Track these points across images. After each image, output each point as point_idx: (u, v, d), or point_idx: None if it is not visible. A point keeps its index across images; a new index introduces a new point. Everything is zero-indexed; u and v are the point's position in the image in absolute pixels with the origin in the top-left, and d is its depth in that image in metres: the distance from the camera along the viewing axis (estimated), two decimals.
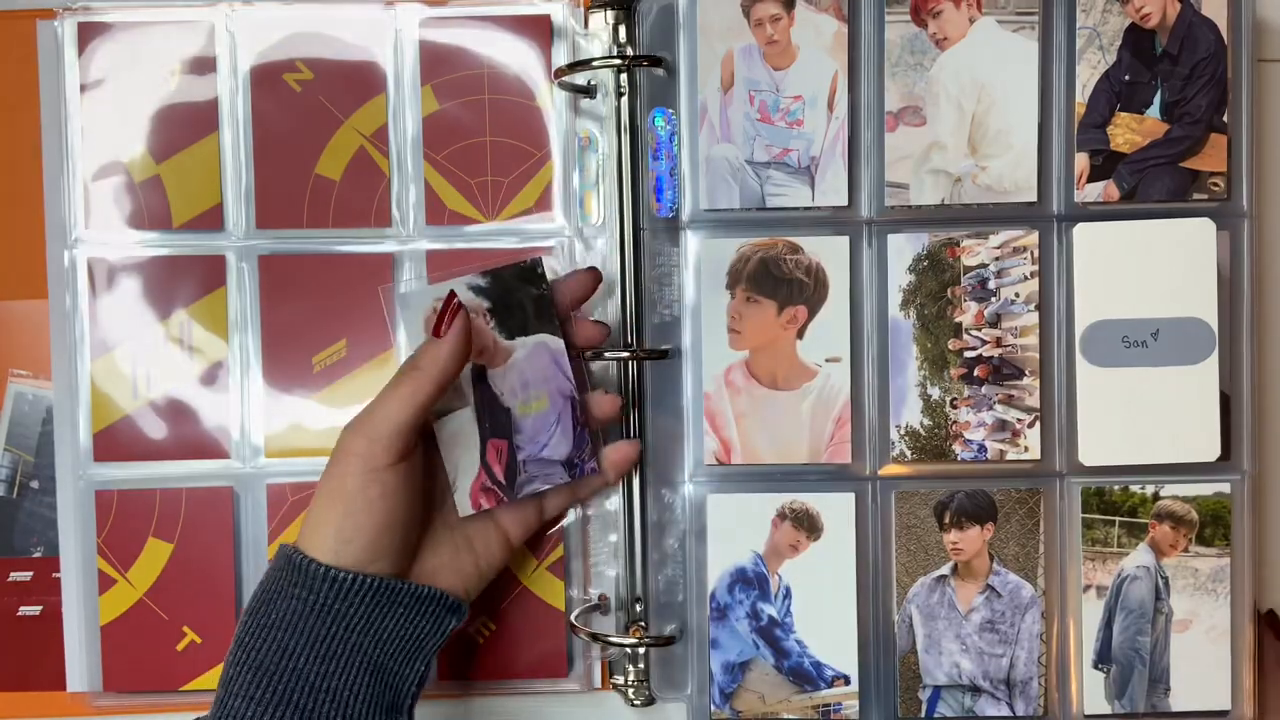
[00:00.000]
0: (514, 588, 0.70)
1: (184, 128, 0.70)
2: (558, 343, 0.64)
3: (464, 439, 0.64)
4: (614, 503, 0.71)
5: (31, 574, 0.71)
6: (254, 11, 0.70)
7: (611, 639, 0.69)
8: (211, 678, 0.70)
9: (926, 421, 0.66)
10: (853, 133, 0.66)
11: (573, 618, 0.70)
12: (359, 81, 0.70)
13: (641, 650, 0.70)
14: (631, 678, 0.70)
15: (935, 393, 0.66)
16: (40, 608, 0.71)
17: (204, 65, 0.70)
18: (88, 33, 0.70)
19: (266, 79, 0.70)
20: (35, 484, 0.71)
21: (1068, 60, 0.66)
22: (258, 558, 0.71)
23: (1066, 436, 0.66)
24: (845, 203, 0.66)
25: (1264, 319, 0.69)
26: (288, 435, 0.71)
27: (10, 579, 0.71)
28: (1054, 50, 0.66)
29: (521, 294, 0.64)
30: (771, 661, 0.67)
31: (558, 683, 0.71)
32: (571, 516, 0.71)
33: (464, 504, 0.64)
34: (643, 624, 0.69)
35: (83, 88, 0.70)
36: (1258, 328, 0.67)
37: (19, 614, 0.71)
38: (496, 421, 0.64)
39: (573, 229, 0.71)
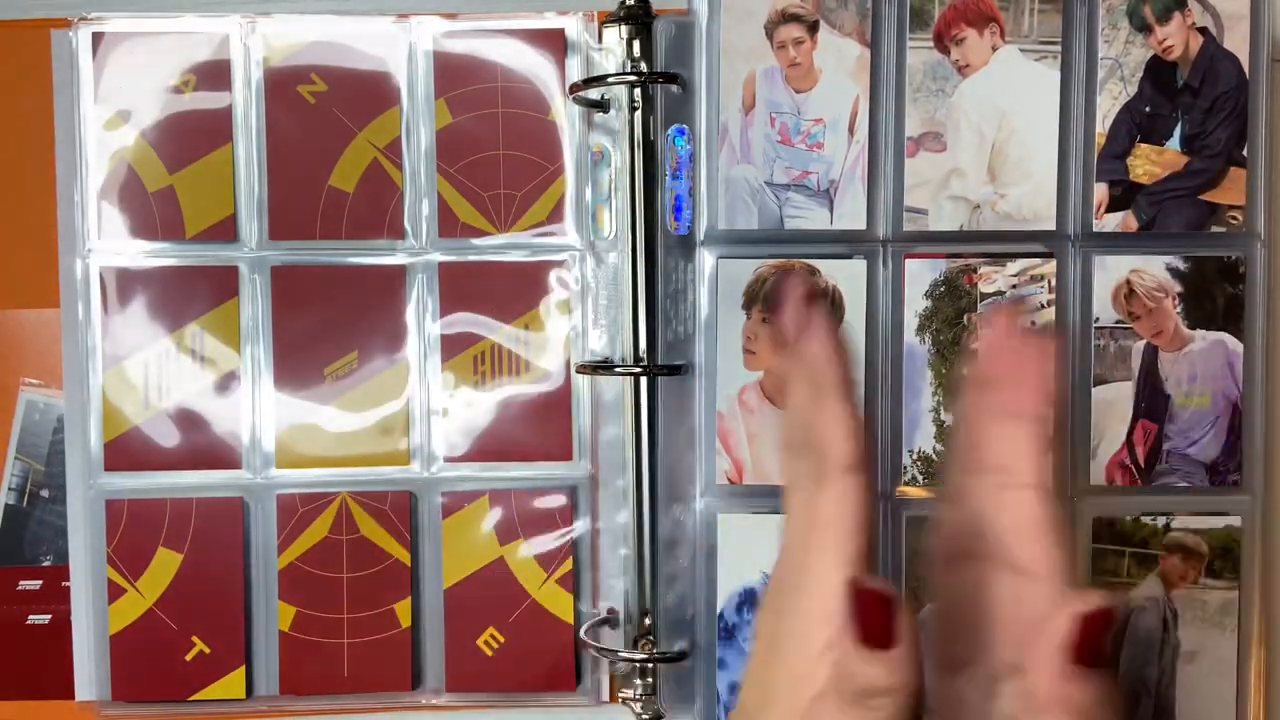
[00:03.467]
0: (523, 600, 0.70)
1: (198, 138, 0.70)
2: (1237, 345, 0.65)
3: (1116, 410, 0.66)
4: (624, 516, 0.71)
5: (41, 582, 0.71)
6: (269, 23, 0.70)
7: (621, 654, 0.69)
8: (220, 688, 0.70)
9: (939, 447, 0.66)
10: (873, 157, 0.66)
11: (582, 632, 0.71)
12: (373, 94, 0.70)
13: (650, 665, 0.70)
14: (640, 692, 0.70)
15: (948, 419, 0.66)
16: (49, 616, 0.71)
17: (218, 76, 0.70)
18: (102, 42, 0.69)
19: (280, 90, 0.70)
20: (45, 493, 0.71)
21: (1089, 90, 0.65)
22: (267, 568, 0.70)
23: (1077, 465, 0.66)
24: (864, 226, 0.66)
25: (1275, 344, 0.68)
26: (299, 446, 0.70)
27: (19, 587, 0.71)
28: (1075, 80, 0.65)
29: (1217, 288, 0.65)
30: None
31: (566, 696, 0.71)
32: (581, 529, 0.71)
33: (1098, 474, 0.66)
34: (652, 639, 0.69)
35: (96, 97, 0.69)
36: (1270, 353, 0.67)
37: (28, 622, 0.71)
38: (1153, 404, 0.66)
39: (585, 243, 0.70)
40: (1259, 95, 0.65)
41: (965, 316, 0.65)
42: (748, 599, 0.67)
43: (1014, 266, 0.65)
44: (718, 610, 0.67)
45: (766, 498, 0.67)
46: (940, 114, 0.65)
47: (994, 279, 0.65)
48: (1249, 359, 0.65)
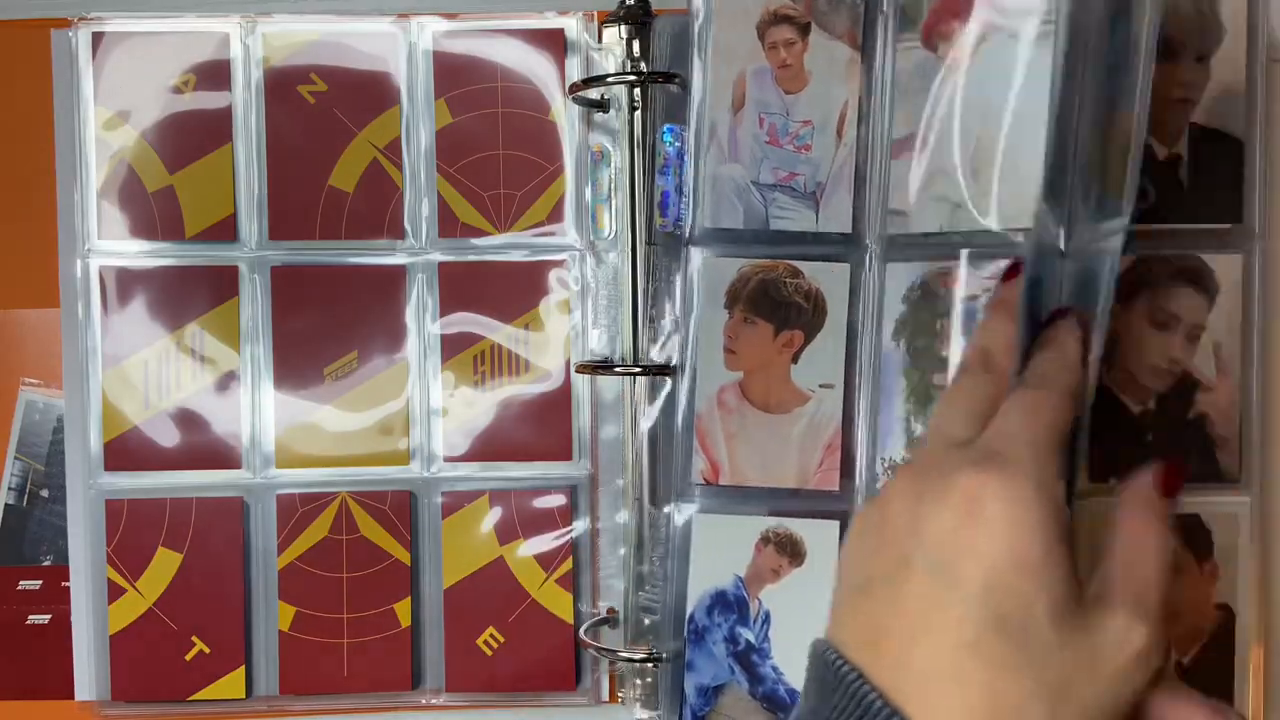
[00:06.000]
0: (522, 600, 0.72)
1: (198, 138, 0.71)
2: None
3: None
4: (623, 516, 0.72)
5: (41, 582, 0.73)
6: (269, 23, 0.71)
7: (621, 654, 0.70)
8: (219, 688, 0.72)
9: (908, 456, 0.65)
10: (859, 160, 0.66)
11: (581, 631, 0.72)
12: (373, 94, 0.72)
13: (650, 665, 0.70)
14: (639, 692, 0.71)
15: (919, 428, 0.65)
16: (49, 616, 0.73)
17: (218, 76, 0.71)
18: (102, 42, 0.71)
19: (280, 90, 0.71)
20: (45, 493, 0.73)
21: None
22: (267, 568, 0.72)
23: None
24: (849, 229, 0.66)
25: (1271, 340, 0.69)
26: (298, 446, 0.72)
27: (19, 587, 0.73)
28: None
29: None
30: (746, 687, 0.67)
31: (565, 696, 0.73)
32: (581, 529, 0.72)
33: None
34: (651, 638, 0.71)
35: (96, 97, 0.71)
36: (1268, 350, 0.68)
37: (28, 622, 0.73)
38: None
39: (584, 242, 0.72)
40: (1256, 95, 0.66)
41: (939, 323, 0.65)
42: (718, 600, 0.67)
43: (988, 268, 0.64)
44: (688, 612, 0.68)
45: (741, 500, 0.67)
46: (925, 112, 0.65)
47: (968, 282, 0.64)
48: (1246, 359, 0.66)
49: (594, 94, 0.71)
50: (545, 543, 0.72)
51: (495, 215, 0.72)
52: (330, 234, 0.71)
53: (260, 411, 0.72)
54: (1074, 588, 0.43)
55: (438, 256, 0.72)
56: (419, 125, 0.72)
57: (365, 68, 0.72)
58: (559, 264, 0.72)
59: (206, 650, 0.71)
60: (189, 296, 0.71)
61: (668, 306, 0.69)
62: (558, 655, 0.72)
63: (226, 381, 0.72)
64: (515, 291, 0.72)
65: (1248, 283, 0.66)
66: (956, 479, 0.44)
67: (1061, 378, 0.49)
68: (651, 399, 0.70)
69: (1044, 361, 0.50)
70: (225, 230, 0.72)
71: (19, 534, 0.73)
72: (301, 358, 0.72)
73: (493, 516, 0.72)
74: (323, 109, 0.71)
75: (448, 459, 0.72)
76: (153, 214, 0.71)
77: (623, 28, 0.70)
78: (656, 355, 0.70)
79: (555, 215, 0.72)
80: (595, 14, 0.72)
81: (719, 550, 0.67)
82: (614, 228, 0.71)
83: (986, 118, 0.62)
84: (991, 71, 0.62)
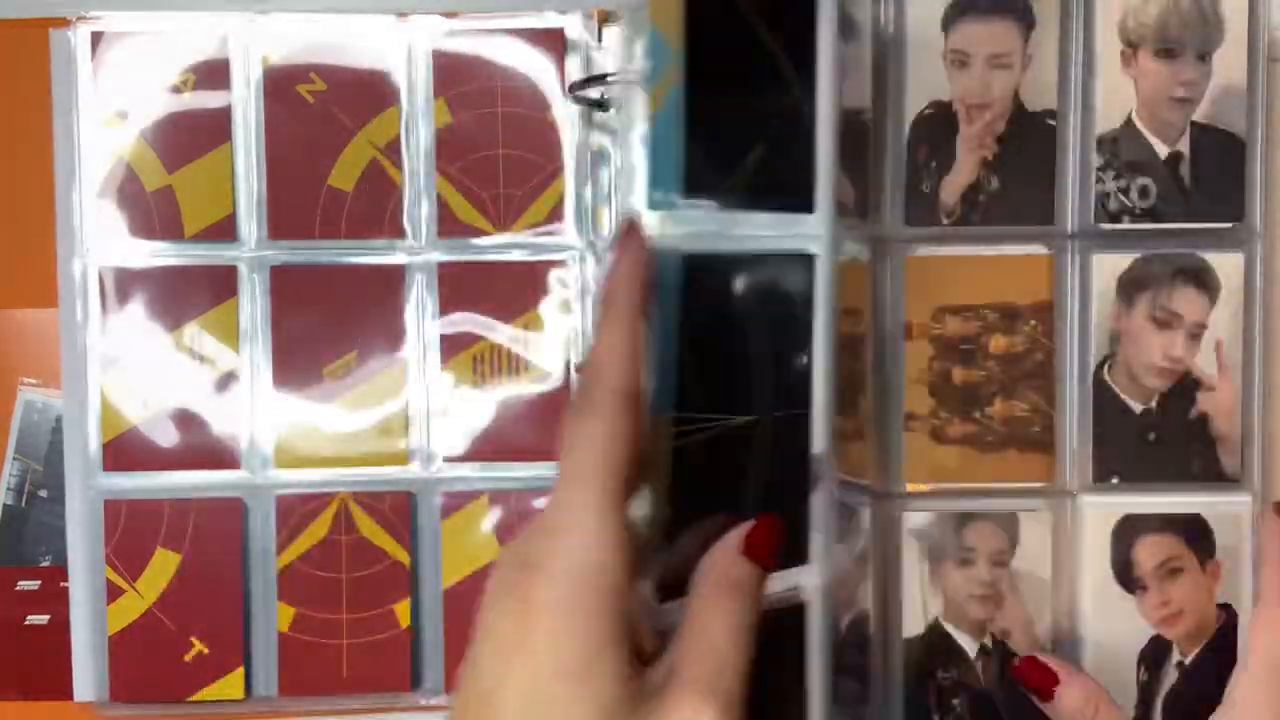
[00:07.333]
0: None
1: (196, 137, 0.71)
2: None
3: None
4: None
5: (39, 583, 0.73)
6: (268, 21, 0.71)
7: None
8: (218, 689, 0.72)
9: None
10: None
11: None
12: (372, 93, 0.72)
13: None
14: None
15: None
16: (48, 617, 0.73)
17: (217, 75, 0.71)
18: (100, 41, 0.71)
19: (279, 89, 0.71)
20: (44, 493, 0.73)
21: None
22: (266, 569, 0.72)
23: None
24: None
25: (1273, 339, 0.69)
26: (298, 446, 0.72)
27: (18, 588, 0.73)
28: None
29: None
30: None
31: None
32: None
33: None
34: None
35: (95, 96, 0.71)
36: (1269, 349, 0.68)
37: (26, 623, 0.73)
38: None
39: (585, 243, 0.72)
40: (1257, 95, 0.67)
41: None
42: None
43: None
44: None
45: None
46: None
47: None
48: (1247, 358, 0.67)
49: (594, 94, 0.71)
50: None
51: (495, 215, 0.72)
52: (329, 233, 0.71)
53: (259, 412, 0.72)
54: (626, 686, 0.41)
55: (437, 256, 0.72)
56: (418, 124, 0.72)
57: (365, 67, 0.72)
58: (559, 264, 0.72)
59: (205, 651, 0.71)
60: (188, 296, 0.71)
61: None
62: None
63: (226, 381, 0.72)
64: (515, 291, 0.72)
65: (1249, 281, 0.67)
66: (506, 583, 0.42)
67: (607, 385, 0.44)
68: None
69: (586, 370, 0.46)
70: (224, 230, 0.72)
71: (18, 534, 0.73)
72: (301, 358, 0.72)
73: (492, 517, 0.72)
74: (322, 108, 0.71)
75: (447, 459, 0.72)
76: (151, 213, 0.71)
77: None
78: None
79: (555, 215, 0.72)
80: (595, 13, 0.72)
81: None
82: (614, 228, 0.71)
83: None
84: None
